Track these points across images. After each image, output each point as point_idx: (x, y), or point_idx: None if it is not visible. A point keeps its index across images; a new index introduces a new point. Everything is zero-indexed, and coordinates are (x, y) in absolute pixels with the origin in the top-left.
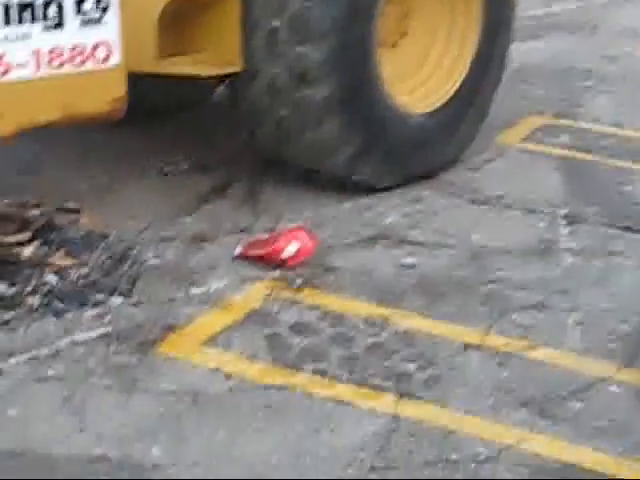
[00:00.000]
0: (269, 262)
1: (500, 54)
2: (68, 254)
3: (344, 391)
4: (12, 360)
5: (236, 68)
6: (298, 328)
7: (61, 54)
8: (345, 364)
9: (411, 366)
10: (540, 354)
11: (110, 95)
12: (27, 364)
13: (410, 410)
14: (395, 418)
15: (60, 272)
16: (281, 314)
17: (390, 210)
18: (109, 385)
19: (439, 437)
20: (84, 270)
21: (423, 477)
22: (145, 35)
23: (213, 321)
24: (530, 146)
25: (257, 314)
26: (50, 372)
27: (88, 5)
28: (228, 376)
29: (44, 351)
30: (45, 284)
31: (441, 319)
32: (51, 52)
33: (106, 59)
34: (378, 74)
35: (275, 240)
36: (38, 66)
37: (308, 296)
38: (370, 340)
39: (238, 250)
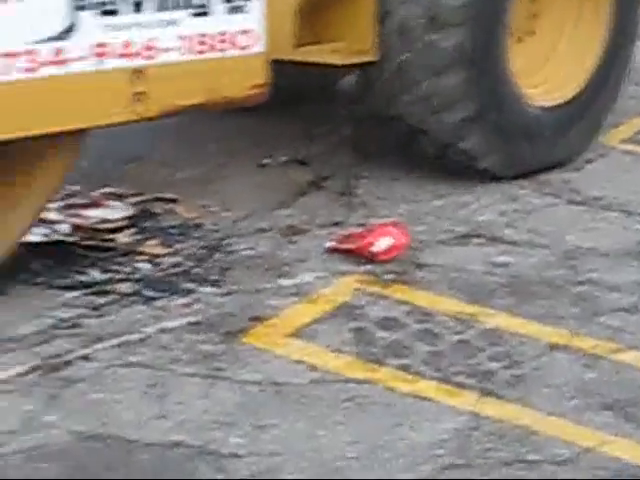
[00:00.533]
0: (360, 256)
1: (624, 59)
2: (162, 243)
3: (426, 387)
4: (100, 345)
5: (371, 57)
6: (385, 323)
7: (207, 40)
8: (429, 360)
9: (495, 365)
10: (628, 357)
11: (252, 81)
12: (115, 349)
13: (492, 409)
14: (476, 416)
15: (152, 260)
16: (368, 308)
17: (485, 208)
18: (193, 373)
19: (519, 437)
20: (176, 259)
21: (500, 477)
22: (284, 24)
23: (300, 313)
24: (633, 147)
25: (345, 308)
26: (136, 358)
27: None
28: (311, 368)
29: (132, 337)
30: (137, 271)
31: (529, 319)
32: (197, 38)
33: (249, 46)
34: (506, 59)
35: (367, 235)
36: (184, 51)
37: (397, 291)
38: (456, 337)
39: (330, 243)
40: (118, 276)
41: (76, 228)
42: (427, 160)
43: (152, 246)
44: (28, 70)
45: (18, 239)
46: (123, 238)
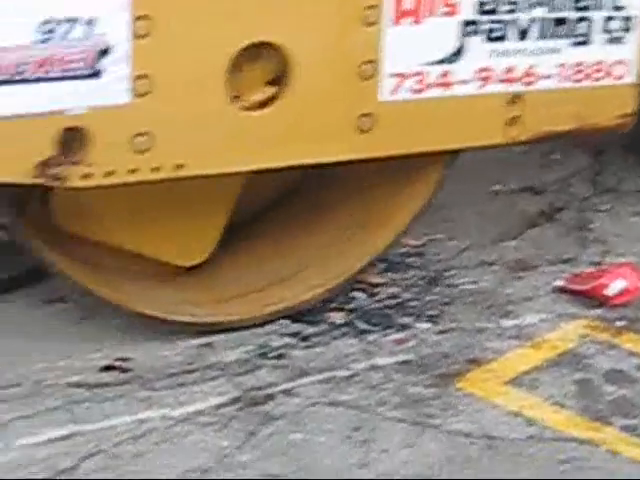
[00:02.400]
0: (591, 299)
1: None
2: (381, 271)
3: None
4: (305, 379)
5: None
6: (613, 376)
7: (583, 69)
8: None
9: None
10: None
11: (621, 110)
12: (320, 385)
13: None
14: None
15: (368, 289)
16: (596, 358)
17: None
18: (401, 418)
19: None
20: (394, 289)
21: None
22: None
23: (521, 359)
24: None
25: (570, 356)
26: (342, 397)
27: (614, 24)
28: (529, 422)
29: (339, 373)
30: (351, 301)
31: None
32: (575, 66)
33: (622, 76)
34: None
35: (601, 275)
36: (561, 79)
37: (628, 341)
38: None
39: (559, 282)
40: (331, 304)
41: None
42: None
43: (370, 275)
44: (415, 91)
45: (377, 256)
46: None
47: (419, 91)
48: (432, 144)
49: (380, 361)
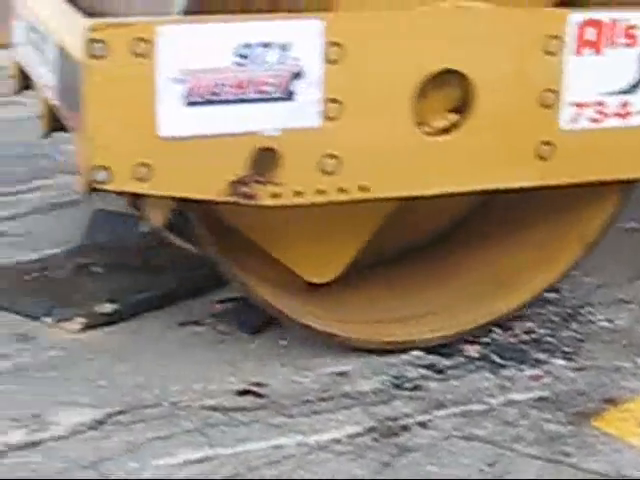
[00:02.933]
0: None
1: None
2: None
3: None
4: (441, 412)
5: None
6: None
7: None
8: None
9: None
10: None
11: None
12: (456, 418)
13: None
14: None
15: (505, 323)
16: None
17: None
18: (536, 455)
19: None
20: (529, 324)
21: None
22: None
23: None
24: None
25: None
26: (478, 431)
27: None
28: None
29: (475, 407)
30: (487, 334)
31: None
32: None
33: None
34: None
35: None
36: None
37: None
38: None
39: None
40: (468, 338)
41: None
42: None
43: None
44: (594, 120)
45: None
46: None
47: (598, 121)
48: (609, 173)
49: (515, 396)
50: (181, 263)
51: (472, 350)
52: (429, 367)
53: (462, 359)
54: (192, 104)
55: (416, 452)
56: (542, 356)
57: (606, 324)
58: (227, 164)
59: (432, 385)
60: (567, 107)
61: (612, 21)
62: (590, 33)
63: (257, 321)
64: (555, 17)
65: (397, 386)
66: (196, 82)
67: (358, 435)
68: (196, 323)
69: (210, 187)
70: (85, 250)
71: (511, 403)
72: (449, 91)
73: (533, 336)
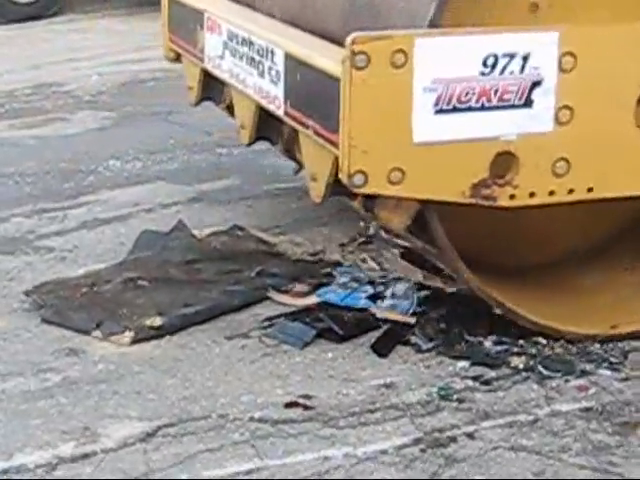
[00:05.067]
0: None
1: None
2: None
3: None
4: (487, 423)
5: None
6: None
7: None
8: None
9: None
10: None
11: None
12: (503, 429)
13: None
14: None
15: (549, 335)
16: None
17: None
18: (583, 464)
19: None
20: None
21: None
22: None
23: None
24: None
25: None
26: (525, 442)
27: None
28: None
29: (522, 418)
30: (533, 345)
31: None
32: None
33: None
34: None
35: None
36: None
37: None
38: None
39: None
40: (514, 349)
41: None
42: None
43: None
44: None
45: None
46: None
47: None
48: None
49: (562, 407)
50: (226, 277)
51: (518, 361)
52: (475, 378)
53: (508, 370)
54: (441, 111)
55: (463, 463)
56: (589, 367)
57: None
58: (470, 168)
59: (478, 396)
60: None
61: None
62: None
63: (304, 335)
64: None
65: (444, 397)
66: (445, 90)
67: (405, 446)
68: (243, 336)
69: (454, 189)
70: (131, 265)
71: (557, 414)
72: None
73: (578, 347)
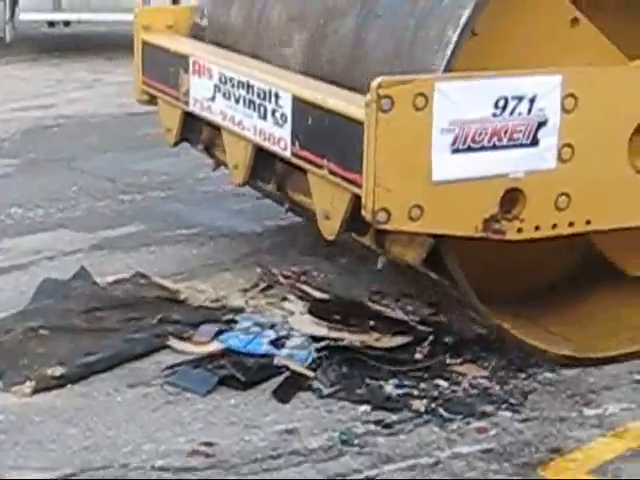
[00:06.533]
0: None
1: None
2: (467, 361)
3: None
4: (390, 466)
5: None
6: None
7: None
8: None
9: None
10: None
11: None
12: (405, 472)
13: None
14: None
15: (451, 377)
16: None
17: None
18: None
19: None
20: (476, 377)
21: None
22: None
23: (604, 448)
24: None
25: None
26: None
27: None
28: None
29: (423, 460)
30: (434, 389)
31: None
32: None
33: None
34: None
35: None
36: None
37: None
38: None
39: None
40: (414, 392)
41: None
42: None
43: (459, 365)
44: None
45: None
46: (419, 353)
47: None
48: None
49: (463, 449)
50: (128, 325)
51: (419, 404)
52: (377, 422)
53: (409, 414)
54: (457, 151)
55: None
56: (489, 408)
57: (552, 375)
58: (482, 204)
59: (380, 440)
60: None
61: None
62: None
63: (206, 382)
64: None
65: (345, 442)
66: (462, 131)
67: None
68: (145, 384)
69: (468, 224)
70: (33, 314)
71: (458, 456)
72: None
73: (480, 389)
